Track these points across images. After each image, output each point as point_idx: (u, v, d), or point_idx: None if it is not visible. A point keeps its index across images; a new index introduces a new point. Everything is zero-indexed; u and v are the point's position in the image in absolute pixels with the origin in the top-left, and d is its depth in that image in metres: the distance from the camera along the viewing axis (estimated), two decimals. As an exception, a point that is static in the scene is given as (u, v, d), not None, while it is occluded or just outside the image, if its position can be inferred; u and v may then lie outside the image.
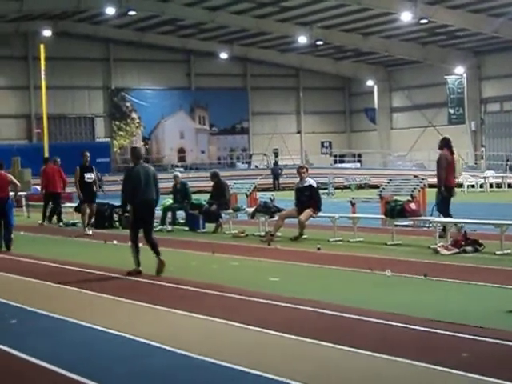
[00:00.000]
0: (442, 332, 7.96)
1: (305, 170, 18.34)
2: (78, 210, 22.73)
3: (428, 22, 47.41)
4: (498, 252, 13.75)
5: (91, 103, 59.97)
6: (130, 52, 59.79)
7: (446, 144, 17.70)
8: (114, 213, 22.58)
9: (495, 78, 56.67)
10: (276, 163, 53.85)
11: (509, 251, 13.77)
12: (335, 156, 64.11)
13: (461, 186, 39.11)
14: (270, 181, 48.58)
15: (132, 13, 50.22)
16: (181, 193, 21.63)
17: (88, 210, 21.03)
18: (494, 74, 56.62)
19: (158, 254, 13.07)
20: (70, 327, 8.97)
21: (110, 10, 48.66)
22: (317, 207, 17.76)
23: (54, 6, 49.89)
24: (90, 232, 20.61)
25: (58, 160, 25.08)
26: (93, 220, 21.71)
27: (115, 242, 18.35)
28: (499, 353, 7.24)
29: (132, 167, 13.44)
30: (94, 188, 21.19)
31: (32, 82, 55.13)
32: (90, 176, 20.88)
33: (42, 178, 25.32)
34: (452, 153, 17.71)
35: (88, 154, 21.67)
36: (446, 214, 16.58)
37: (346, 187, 42.34)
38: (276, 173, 50.44)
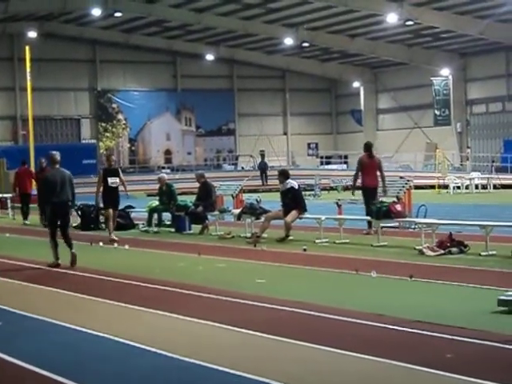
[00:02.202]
0: (427, 333, 7.99)
1: (278, 175, 18.58)
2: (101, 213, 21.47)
3: (414, 23, 47.57)
4: (483, 253, 13.80)
5: (77, 105, 59.87)
6: (116, 53, 59.73)
7: (366, 148, 19.24)
8: (100, 214, 22.54)
9: (481, 79, 56.88)
10: (263, 156, 53.82)
11: (494, 252, 13.82)
12: (321, 157, 64.22)
13: (446, 187, 39.27)
14: (257, 182, 48.58)
15: (118, 14, 50.18)
16: (166, 194, 21.61)
17: (109, 216, 19.33)
18: (479, 76, 56.83)
19: (71, 248, 14.39)
20: (53, 328, 8.95)
21: (96, 12, 48.59)
22: (301, 208, 17.82)
23: (40, 7, 49.80)
24: (115, 238, 18.76)
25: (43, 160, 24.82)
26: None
27: (101, 243, 18.33)
28: (484, 353, 7.26)
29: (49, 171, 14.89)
30: (119, 193, 19.36)
31: (18, 83, 55.02)
32: (114, 180, 19.10)
33: (14, 179, 25.90)
34: (371, 157, 19.12)
35: (114, 157, 20.74)
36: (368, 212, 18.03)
37: (332, 188, 42.36)
38: (263, 168, 51.03)
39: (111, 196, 19.17)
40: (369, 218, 17.54)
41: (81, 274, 13.51)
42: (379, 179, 18.87)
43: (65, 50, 57.48)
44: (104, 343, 8.12)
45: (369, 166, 18.93)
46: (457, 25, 48.03)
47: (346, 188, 43.91)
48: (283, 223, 17.65)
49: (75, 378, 6.74)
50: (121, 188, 19.44)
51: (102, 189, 19.21)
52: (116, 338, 8.20)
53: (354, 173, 19.84)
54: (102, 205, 19.60)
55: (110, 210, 19.33)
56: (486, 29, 47.66)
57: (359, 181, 19.31)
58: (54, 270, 14.17)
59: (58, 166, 14.82)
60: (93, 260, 15.41)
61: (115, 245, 18.01)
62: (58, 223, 14.63)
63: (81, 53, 59.26)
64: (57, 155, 15.03)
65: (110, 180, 19.10)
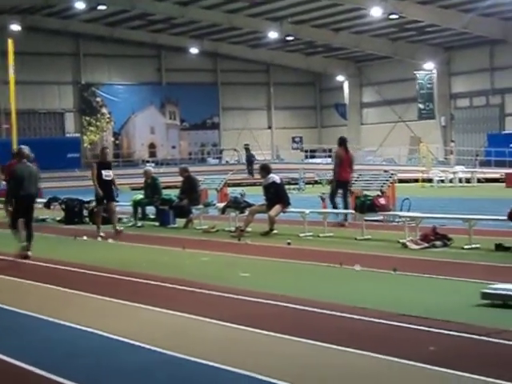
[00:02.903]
0: (411, 326, 8.01)
1: (259, 170, 18.78)
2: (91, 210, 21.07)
3: (398, 17, 47.67)
4: (466, 246, 13.85)
5: (61, 98, 59.68)
6: (99, 47, 59.54)
7: (341, 142, 20.18)
8: (84, 208, 22.49)
9: (465, 73, 57.04)
10: (248, 149, 53.84)
11: (477, 245, 13.87)
12: (306, 151, 64.27)
13: (430, 181, 39.40)
14: (241, 176, 48.58)
15: (102, 7, 50.03)
16: (151, 188, 21.57)
17: (109, 209, 18.99)
18: (463, 70, 56.99)
19: (29, 242, 14.89)
20: (40, 324, 8.92)
21: (80, 5, 48.45)
22: (285, 202, 17.85)
23: (23, 0, 49.51)
24: (102, 234, 18.40)
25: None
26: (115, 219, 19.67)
27: (85, 237, 18.29)
28: (467, 347, 7.30)
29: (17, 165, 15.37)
30: (113, 186, 19.03)
31: (0, 76, 54.63)
32: (108, 173, 18.74)
33: (5, 172, 25.31)
34: (347, 150, 20.08)
35: (108, 150, 20.40)
36: (334, 204, 19.54)
37: (316, 182, 42.38)
38: (250, 160, 51.36)
39: (106, 189, 18.79)
40: (354, 211, 17.60)
41: (65, 268, 13.46)
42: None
43: (48, 44, 57.27)
44: (91, 338, 8.08)
45: (344, 160, 19.73)
46: (441, 19, 48.14)
47: (330, 182, 44.00)
48: (267, 217, 17.67)
49: (64, 374, 6.71)
50: None
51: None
52: (102, 333, 8.17)
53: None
54: (101, 194, 18.78)
55: (101, 207, 19.11)
56: (470, 23, 47.78)
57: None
58: (39, 264, 14.11)
59: (25, 160, 15.22)
60: (77, 254, 15.37)
61: (99, 239, 17.97)
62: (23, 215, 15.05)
63: (64, 46, 59.04)
64: (26, 149, 15.38)
65: (105, 173, 18.69)
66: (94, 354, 7.44)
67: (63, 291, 11.09)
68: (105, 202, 18.98)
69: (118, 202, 20.21)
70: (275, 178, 18.17)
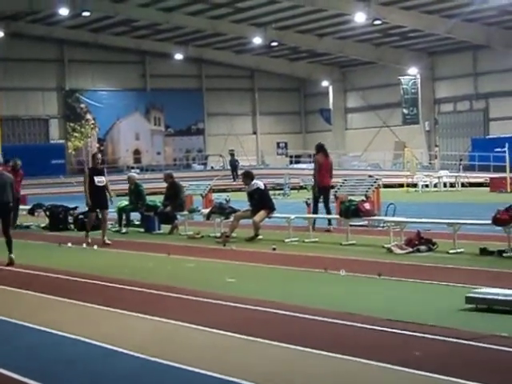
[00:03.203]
0: (396, 331, 8.03)
1: (242, 177, 18.78)
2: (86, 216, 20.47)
3: (382, 22, 47.76)
4: (451, 251, 13.90)
5: (45, 105, 59.45)
6: (84, 53, 59.39)
7: (320, 149, 20.38)
8: (69, 215, 22.43)
9: (448, 78, 57.26)
10: (233, 155, 54.04)
11: (462, 250, 13.93)
12: (291, 156, 64.33)
13: (415, 185, 39.52)
14: (226, 182, 48.58)
15: (86, 14, 49.87)
16: (135, 194, 21.55)
17: (102, 218, 18.66)
18: (447, 75, 57.20)
19: (10, 251, 14.74)
20: (22, 330, 8.88)
21: (64, 11, 48.25)
22: (269, 208, 17.87)
23: (6, 7, 49.31)
24: (89, 240, 18.10)
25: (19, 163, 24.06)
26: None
27: (69, 244, 18.23)
28: (452, 351, 7.31)
29: None
30: (106, 192, 18.61)
31: (-16, 83, 54.52)
32: (100, 179, 18.38)
33: None
34: (326, 156, 20.27)
35: (100, 156, 19.89)
36: (315, 210, 19.68)
37: (301, 188, 42.42)
38: (234, 164, 51.80)
39: (99, 196, 18.45)
40: (338, 216, 17.64)
41: (49, 274, 13.41)
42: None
43: (32, 50, 57.05)
44: (75, 345, 8.05)
45: (323, 166, 20.01)
46: (424, 24, 48.29)
47: (312, 188, 44.06)
48: (252, 223, 17.68)
49: (48, 381, 6.69)
50: None
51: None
52: (88, 340, 8.14)
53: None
54: (89, 204, 18.56)
55: (93, 214, 18.94)
56: (454, 28, 47.95)
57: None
58: (24, 271, 14.05)
59: (1, 168, 15.35)
60: (61, 261, 15.34)
61: (84, 245, 17.90)
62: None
63: (49, 52, 58.86)
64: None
65: (97, 179, 18.37)
66: (79, 361, 7.41)
67: (47, 298, 11.05)
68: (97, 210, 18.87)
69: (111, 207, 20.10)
70: (259, 183, 18.20)
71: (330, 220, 19.22)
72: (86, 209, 19.55)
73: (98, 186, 18.42)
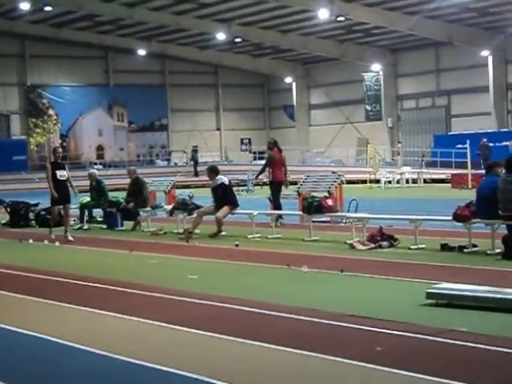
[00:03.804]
0: (357, 326, 8.06)
1: (207, 172, 18.72)
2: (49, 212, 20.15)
3: (345, 19, 47.93)
4: (412, 247, 14.00)
5: (6, 100, 58.93)
6: (46, 48, 58.95)
7: (274, 145, 20.51)
8: (30, 211, 22.25)
9: (411, 75, 57.67)
10: (195, 151, 54.27)
11: (423, 246, 14.02)
12: (255, 153, 64.33)
13: (378, 181, 39.72)
14: (189, 178, 48.53)
15: (48, 8, 49.45)
16: (96, 190, 21.44)
17: (63, 212, 18.58)
18: (409, 72, 57.60)
19: None
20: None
21: (25, 6, 47.78)
22: (233, 204, 17.86)
23: (-33, 1, 48.87)
24: (53, 236, 18.06)
25: None
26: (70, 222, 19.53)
27: (31, 240, 18.09)
28: (413, 346, 7.36)
29: None
30: (69, 187, 18.44)
31: None
32: (62, 174, 18.20)
33: None
34: (280, 151, 20.41)
35: (60, 150, 19.56)
36: (278, 205, 19.81)
37: (265, 184, 42.45)
38: (195, 159, 53.00)
39: (61, 190, 18.25)
40: (301, 212, 17.69)
41: (9, 271, 13.29)
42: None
43: (-7, 45, 56.56)
44: (35, 343, 8.00)
45: (279, 162, 20.18)
46: (387, 21, 48.57)
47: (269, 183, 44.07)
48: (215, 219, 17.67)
49: (8, 380, 6.63)
50: None
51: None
52: (47, 337, 8.07)
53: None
54: (56, 196, 18.22)
55: (56, 208, 18.67)
56: (416, 25, 48.28)
57: (265, 175, 20.95)
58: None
59: None
60: (22, 257, 15.21)
61: (46, 241, 17.78)
62: None
63: (10, 47, 58.33)
64: None
65: (59, 173, 18.19)
66: (41, 359, 7.36)
67: (6, 295, 10.95)
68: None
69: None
70: (224, 179, 18.17)
71: (280, 216, 19.34)
72: (49, 205, 19.36)
73: (60, 180, 18.26)
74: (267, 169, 20.39)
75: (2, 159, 50.89)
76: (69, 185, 18.53)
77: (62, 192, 18.27)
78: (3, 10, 52.16)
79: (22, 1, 47.19)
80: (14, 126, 59.81)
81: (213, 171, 18.47)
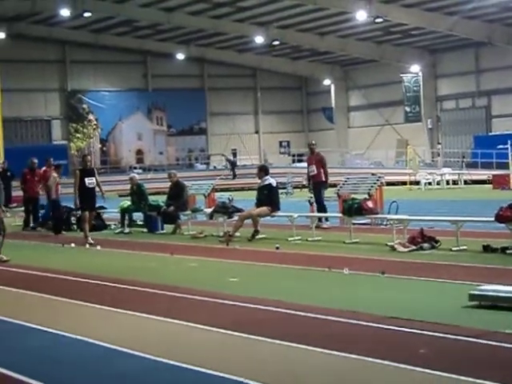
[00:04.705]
0: (400, 329, 8.02)
1: (258, 170, 18.79)
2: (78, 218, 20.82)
3: (383, 20, 47.70)
4: (454, 248, 13.89)
5: (47, 105, 59.52)
6: (85, 53, 59.46)
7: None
8: (72, 216, 22.43)
9: (450, 75, 57.26)
10: (234, 156, 54.94)
11: (465, 247, 13.91)
12: (293, 155, 64.26)
13: (418, 183, 39.50)
14: (229, 182, 48.61)
15: (87, 14, 49.87)
16: (137, 194, 21.57)
17: (88, 217, 18.94)
18: (449, 72, 57.21)
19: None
20: (28, 332, 8.85)
21: (65, 12, 48.27)
22: (274, 206, 17.82)
23: (8, 8, 49.37)
24: (92, 241, 18.27)
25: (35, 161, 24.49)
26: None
27: (73, 245, 18.24)
28: (456, 348, 7.29)
29: None
30: (96, 194, 19.03)
31: (-14, 85, 54.52)
32: (91, 181, 18.67)
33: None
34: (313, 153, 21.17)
35: (89, 157, 20.03)
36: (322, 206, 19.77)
37: (304, 186, 42.36)
38: (233, 162, 53.96)
39: (89, 197, 18.75)
40: (341, 214, 17.64)
41: (53, 275, 13.40)
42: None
43: (34, 51, 57.12)
44: (78, 346, 8.03)
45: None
46: (426, 21, 48.27)
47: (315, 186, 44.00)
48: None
49: (50, 382, 6.68)
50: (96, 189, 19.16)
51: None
52: (90, 340, 8.12)
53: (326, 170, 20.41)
54: (78, 205, 18.95)
55: (87, 213, 18.96)
56: (455, 25, 47.96)
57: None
58: (24, 272, 14.05)
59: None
60: (65, 262, 15.34)
61: (87, 246, 17.93)
62: None
63: (50, 53, 58.95)
64: None
65: (88, 180, 18.64)
66: (81, 361, 7.39)
67: (49, 298, 11.03)
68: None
69: (106, 208, 20.08)
70: (271, 180, 18.13)
71: (323, 217, 19.31)
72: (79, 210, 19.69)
73: (89, 188, 18.70)
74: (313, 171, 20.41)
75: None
76: (97, 189, 18.94)
77: (89, 199, 18.78)
78: (44, 16, 52.73)
79: (62, 7, 47.68)
80: (55, 131, 60.38)
81: (262, 170, 18.49)
